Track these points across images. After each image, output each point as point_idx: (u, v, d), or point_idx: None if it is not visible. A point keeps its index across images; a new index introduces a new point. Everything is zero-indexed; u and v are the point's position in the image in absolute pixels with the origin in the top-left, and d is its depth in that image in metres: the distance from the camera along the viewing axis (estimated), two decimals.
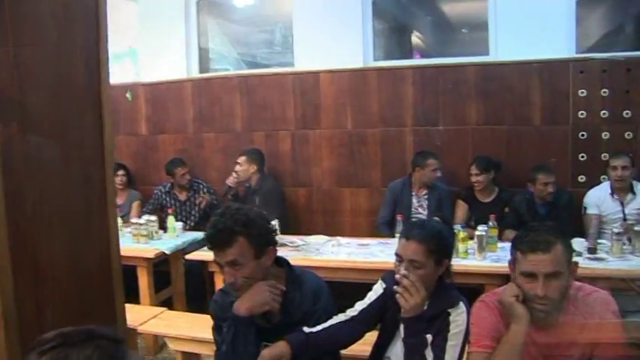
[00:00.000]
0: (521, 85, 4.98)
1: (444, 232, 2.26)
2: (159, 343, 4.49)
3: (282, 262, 2.33)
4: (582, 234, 4.26)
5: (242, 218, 2.13)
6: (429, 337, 2.09)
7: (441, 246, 2.20)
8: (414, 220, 2.38)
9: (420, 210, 4.94)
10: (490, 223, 4.06)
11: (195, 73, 6.14)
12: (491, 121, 5.08)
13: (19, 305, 1.83)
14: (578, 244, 3.95)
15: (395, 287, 2.10)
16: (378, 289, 2.37)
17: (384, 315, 2.31)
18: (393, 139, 5.35)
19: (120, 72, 6.40)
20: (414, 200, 4.96)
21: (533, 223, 4.30)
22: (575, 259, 3.75)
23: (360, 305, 2.34)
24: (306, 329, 2.15)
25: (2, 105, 1.77)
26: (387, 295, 2.27)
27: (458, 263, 3.87)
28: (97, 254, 2.20)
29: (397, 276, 2.12)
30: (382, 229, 4.91)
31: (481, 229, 3.93)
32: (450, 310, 2.16)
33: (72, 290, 2.04)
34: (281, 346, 2.09)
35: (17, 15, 1.80)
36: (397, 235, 4.24)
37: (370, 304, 2.33)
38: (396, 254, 2.22)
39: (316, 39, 5.50)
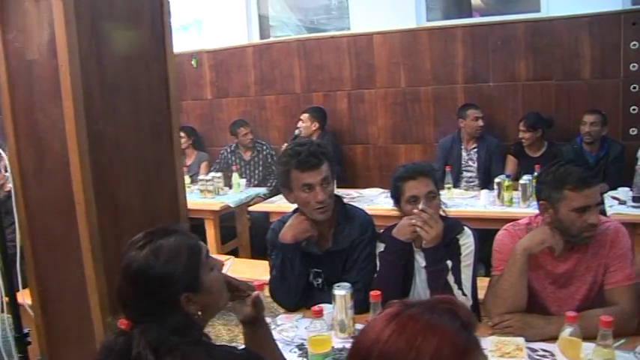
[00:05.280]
0: (571, 40, 5.05)
1: (433, 166, 2.55)
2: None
3: (336, 198, 2.58)
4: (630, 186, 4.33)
5: (322, 146, 2.52)
6: (449, 262, 2.32)
7: (437, 177, 2.49)
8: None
9: (470, 163, 5.13)
10: (535, 174, 4.20)
11: (255, 40, 6.47)
12: (540, 76, 5.19)
13: (102, 233, 2.18)
14: (623, 193, 4.07)
15: (413, 221, 2.30)
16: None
17: None
18: (445, 96, 5.55)
19: (186, 41, 6.80)
20: (464, 154, 5.15)
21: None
22: (619, 206, 3.95)
23: None
24: None
25: (85, 67, 2.11)
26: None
27: (503, 210, 4.09)
28: (166, 196, 2.54)
29: (415, 211, 2.30)
30: None
31: (525, 179, 4.09)
32: (458, 236, 2.40)
33: (144, 224, 2.37)
34: None
35: None
36: (447, 186, 4.47)
37: None
38: (411, 197, 2.37)
39: (370, 2, 5.72)
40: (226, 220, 5.30)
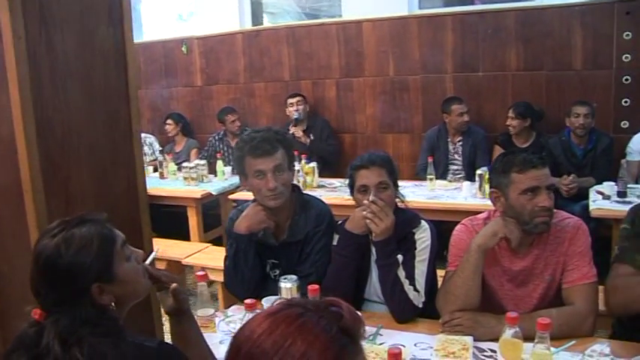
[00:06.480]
0: (562, 30, 4.96)
1: (390, 157, 2.44)
2: (209, 279, 4.81)
3: (293, 188, 2.55)
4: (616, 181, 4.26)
5: (280, 133, 2.49)
6: (400, 257, 2.27)
7: (394, 168, 2.38)
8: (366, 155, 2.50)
9: (456, 156, 5.06)
10: None
11: (248, 26, 6.41)
12: (530, 66, 5.10)
13: (51, 221, 2.12)
14: (608, 187, 3.99)
15: (364, 213, 2.24)
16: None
17: None
18: (433, 86, 5.47)
19: (184, 29, 6.80)
20: (450, 147, 5.09)
21: (569, 167, 4.45)
22: (603, 202, 3.88)
23: None
24: None
25: (33, 54, 2.07)
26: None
27: (483, 203, 4.01)
28: (124, 183, 2.49)
29: (365, 202, 2.24)
30: (421, 175, 5.05)
31: None
32: (414, 230, 2.34)
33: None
34: None
35: None
36: (429, 177, 4.42)
37: None
38: (361, 186, 2.33)
39: None
40: (212, 208, 5.27)
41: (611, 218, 3.76)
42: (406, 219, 2.35)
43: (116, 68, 2.42)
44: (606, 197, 3.95)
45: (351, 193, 2.40)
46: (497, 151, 4.95)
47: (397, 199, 2.43)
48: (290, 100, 5.69)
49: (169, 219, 5.39)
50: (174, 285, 1.66)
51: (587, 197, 4.09)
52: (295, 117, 5.58)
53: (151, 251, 1.83)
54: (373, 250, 2.37)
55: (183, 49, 6.45)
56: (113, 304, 1.48)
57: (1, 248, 2.33)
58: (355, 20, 5.68)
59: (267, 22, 6.72)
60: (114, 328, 1.42)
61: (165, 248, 4.41)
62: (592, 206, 3.84)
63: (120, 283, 1.47)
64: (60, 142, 2.19)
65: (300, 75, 6.03)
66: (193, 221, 4.88)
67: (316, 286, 1.97)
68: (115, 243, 1.49)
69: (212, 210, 5.29)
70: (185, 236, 4.95)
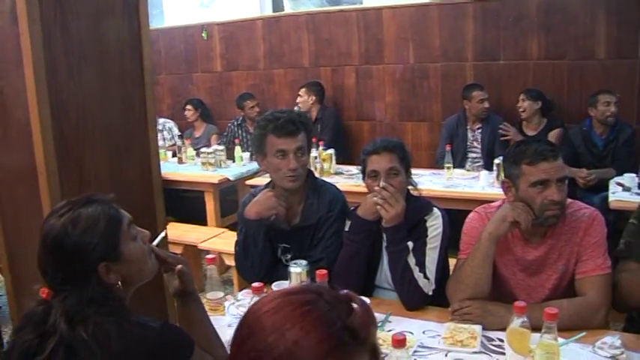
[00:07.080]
0: (586, 18, 4.87)
1: (403, 143, 2.42)
2: (225, 264, 4.84)
3: (307, 172, 2.54)
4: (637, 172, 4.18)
5: (303, 117, 2.52)
6: (410, 244, 2.25)
7: (405, 154, 2.36)
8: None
9: (475, 144, 5.02)
10: None
11: (268, 12, 6.41)
12: (552, 55, 5.02)
13: None
14: (629, 179, 3.92)
15: (374, 199, 2.23)
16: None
17: None
18: (453, 74, 5.42)
19: (205, 16, 6.82)
20: (469, 135, 5.04)
21: (590, 158, 4.39)
22: (622, 193, 3.80)
23: None
24: None
25: (48, 36, 2.08)
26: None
27: (501, 192, 3.97)
28: (138, 167, 2.51)
29: (376, 188, 2.24)
30: (441, 163, 5.01)
31: None
32: (426, 217, 2.32)
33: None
34: None
35: None
36: (447, 165, 4.39)
37: None
38: (371, 172, 2.32)
39: None
40: (229, 193, 5.29)
41: (631, 210, 3.69)
42: (418, 206, 2.34)
43: (131, 52, 2.44)
44: (626, 189, 3.88)
45: (363, 178, 2.40)
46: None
47: (410, 186, 2.41)
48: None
49: (187, 204, 5.43)
50: (179, 266, 1.67)
51: (606, 189, 4.03)
52: (294, 109, 5.53)
53: (159, 232, 1.83)
54: (384, 236, 2.36)
55: (203, 34, 6.47)
56: (120, 283, 1.49)
57: (15, 229, 2.38)
58: (375, 7, 5.65)
59: (288, 9, 6.71)
60: (119, 307, 1.44)
61: (182, 233, 4.46)
62: (611, 198, 3.78)
63: (126, 263, 1.49)
64: (74, 125, 2.21)
65: (320, 62, 6.01)
66: (210, 206, 4.91)
67: (324, 271, 1.97)
68: (122, 223, 1.50)
69: (230, 195, 5.31)
70: (202, 221, 4.98)
